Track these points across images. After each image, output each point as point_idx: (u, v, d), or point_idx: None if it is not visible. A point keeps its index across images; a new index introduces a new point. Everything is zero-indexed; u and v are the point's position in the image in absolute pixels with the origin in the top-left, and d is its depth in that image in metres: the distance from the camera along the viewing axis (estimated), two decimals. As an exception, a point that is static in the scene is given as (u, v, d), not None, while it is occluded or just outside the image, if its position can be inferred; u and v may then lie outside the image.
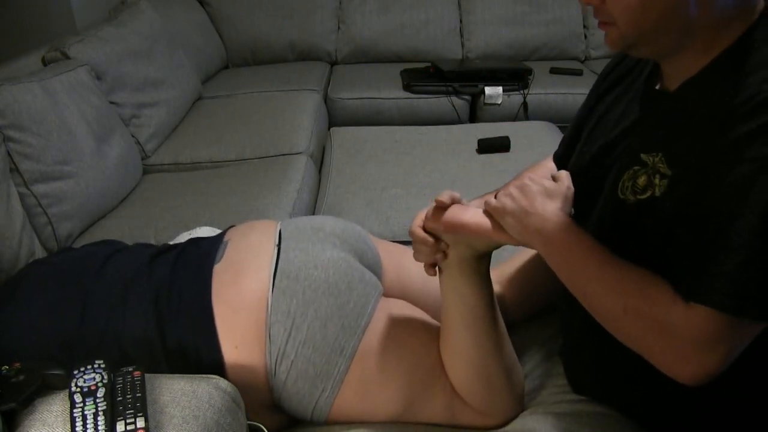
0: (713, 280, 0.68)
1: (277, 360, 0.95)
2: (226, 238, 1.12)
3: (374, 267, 1.13)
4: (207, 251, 1.08)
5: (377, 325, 0.99)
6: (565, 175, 0.90)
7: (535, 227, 0.84)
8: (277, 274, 1.00)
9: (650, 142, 0.79)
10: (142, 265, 1.05)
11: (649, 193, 0.76)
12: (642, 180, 0.78)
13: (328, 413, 0.97)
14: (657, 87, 0.84)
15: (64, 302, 0.98)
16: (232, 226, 1.19)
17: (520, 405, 1.02)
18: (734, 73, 0.72)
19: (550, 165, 1.13)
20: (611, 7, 0.75)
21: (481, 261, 0.95)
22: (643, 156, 0.79)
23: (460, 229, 0.92)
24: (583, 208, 0.89)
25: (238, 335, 0.96)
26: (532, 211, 0.85)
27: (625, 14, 0.74)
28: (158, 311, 0.97)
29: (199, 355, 0.95)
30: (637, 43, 0.76)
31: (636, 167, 0.79)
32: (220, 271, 1.02)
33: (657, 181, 0.76)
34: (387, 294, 1.09)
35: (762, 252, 0.65)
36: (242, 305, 0.97)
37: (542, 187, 0.87)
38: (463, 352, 0.97)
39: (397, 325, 1.02)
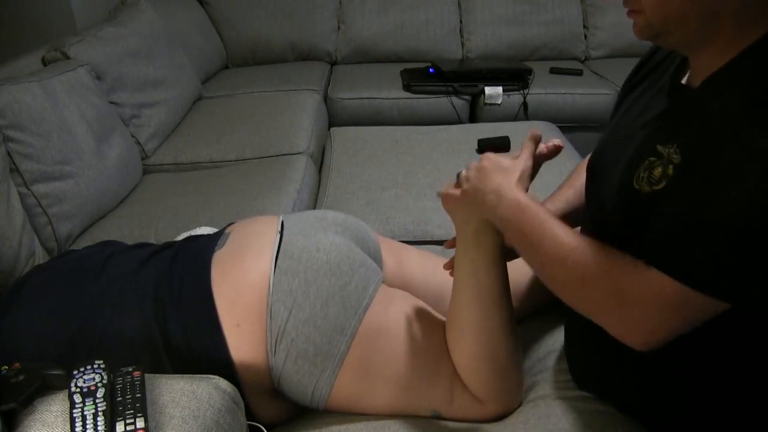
0: (680, 252, 0.71)
1: (277, 338, 0.96)
2: (227, 231, 1.13)
3: (375, 257, 1.15)
4: (207, 242, 1.09)
5: (378, 308, 1.00)
6: (526, 150, 0.95)
7: (491, 204, 0.90)
8: (280, 255, 1.01)
9: (668, 134, 0.80)
10: (142, 262, 1.06)
11: (663, 184, 0.77)
12: (657, 171, 0.78)
13: (328, 396, 0.98)
14: (683, 81, 0.84)
15: (66, 305, 0.98)
16: (232, 223, 1.20)
17: (518, 397, 1.02)
18: (759, 68, 0.72)
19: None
20: None
21: (495, 233, 0.97)
22: (659, 147, 0.79)
23: (454, 201, 0.99)
24: (601, 198, 0.90)
25: (239, 314, 0.97)
26: (488, 190, 0.91)
27: (652, 1, 0.75)
28: (158, 301, 0.98)
29: (201, 336, 0.95)
30: (663, 32, 0.77)
31: (652, 158, 0.80)
32: (221, 257, 1.04)
33: (670, 171, 0.76)
34: (388, 285, 1.10)
35: (732, 236, 0.67)
36: (244, 284, 0.99)
37: (497, 164, 0.93)
38: (472, 328, 0.97)
39: (398, 309, 1.03)
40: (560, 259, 0.82)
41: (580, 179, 1.08)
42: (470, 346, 0.98)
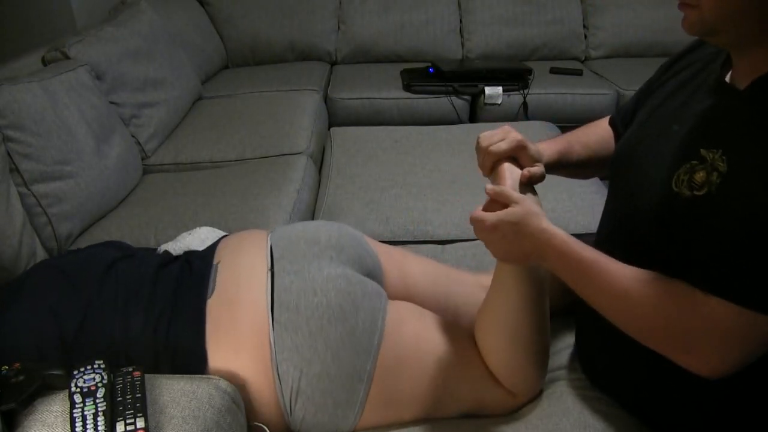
0: (737, 274, 0.69)
1: (291, 398, 0.92)
2: (216, 259, 1.07)
3: (375, 271, 1.11)
4: (200, 277, 1.03)
5: (391, 338, 0.97)
6: (508, 193, 0.89)
7: (536, 260, 0.88)
8: (275, 306, 0.95)
9: (711, 137, 0.78)
10: (145, 279, 1.02)
11: (705, 190, 0.75)
12: (700, 176, 0.76)
13: None
14: (726, 79, 0.82)
15: (67, 307, 0.97)
16: (226, 235, 1.17)
17: (542, 384, 1.04)
18: None
19: (605, 125, 1.15)
20: None
21: None
22: (703, 151, 0.77)
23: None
24: (632, 195, 0.89)
25: (239, 378, 0.93)
26: (527, 252, 0.87)
27: None
28: (156, 339, 0.94)
29: None
30: (717, 29, 0.75)
31: (694, 162, 0.77)
32: (214, 307, 0.97)
33: (714, 178, 0.74)
34: (391, 297, 1.07)
35: None
36: (242, 346, 0.94)
37: (511, 221, 0.87)
38: (516, 328, 0.96)
39: (411, 329, 1.00)
40: (616, 306, 0.81)
41: (586, 138, 1.10)
42: (516, 345, 0.96)
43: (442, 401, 0.99)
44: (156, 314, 0.97)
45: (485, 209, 0.93)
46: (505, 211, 0.88)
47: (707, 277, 0.72)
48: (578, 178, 1.19)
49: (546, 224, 0.86)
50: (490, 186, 0.92)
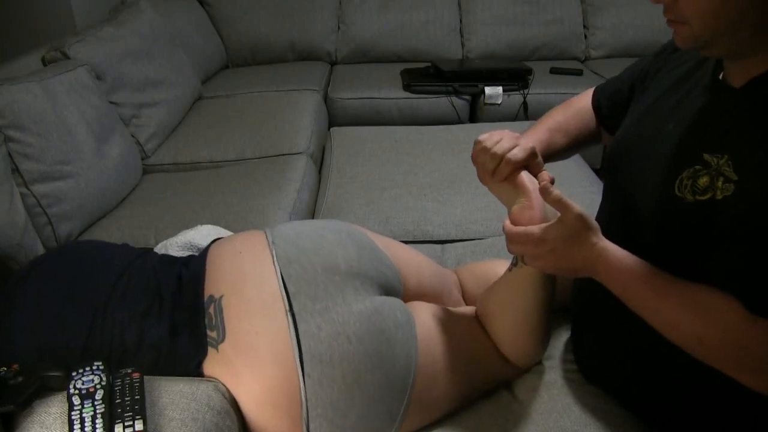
0: None
1: None
2: (216, 289, 0.95)
3: (395, 282, 1.05)
4: (195, 304, 0.94)
5: (424, 364, 0.94)
6: (570, 203, 0.81)
7: (587, 273, 0.84)
8: (305, 359, 0.86)
9: (713, 140, 0.77)
10: (143, 295, 0.96)
11: (709, 195, 0.74)
12: (703, 181, 0.75)
13: None
14: (720, 77, 0.82)
15: (73, 321, 0.92)
16: (217, 239, 1.13)
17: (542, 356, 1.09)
18: None
19: (586, 106, 1.13)
20: (684, 6, 0.72)
21: None
22: (706, 156, 0.76)
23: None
24: (630, 195, 0.88)
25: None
26: (577, 265, 0.83)
27: (700, 13, 0.71)
28: (157, 366, 0.91)
29: None
30: (711, 43, 0.74)
31: (698, 167, 0.76)
32: (226, 350, 0.89)
33: (720, 184, 0.73)
34: (406, 298, 1.06)
35: None
36: (265, 399, 0.87)
37: (561, 235, 0.81)
38: (533, 322, 0.98)
39: (438, 343, 0.98)
40: (672, 320, 0.78)
41: (567, 126, 1.08)
42: (530, 334, 1.00)
43: (469, 393, 1.01)
44: (152, 339, 0.92)
45: (517, 221, 0.89)
46: (557, 223, 0.82)
47: (753, 300, 0.71)
48: (556, 161, 1.14)
49: (596, 238, 0.82)
50: (557, 192, 0.81)
